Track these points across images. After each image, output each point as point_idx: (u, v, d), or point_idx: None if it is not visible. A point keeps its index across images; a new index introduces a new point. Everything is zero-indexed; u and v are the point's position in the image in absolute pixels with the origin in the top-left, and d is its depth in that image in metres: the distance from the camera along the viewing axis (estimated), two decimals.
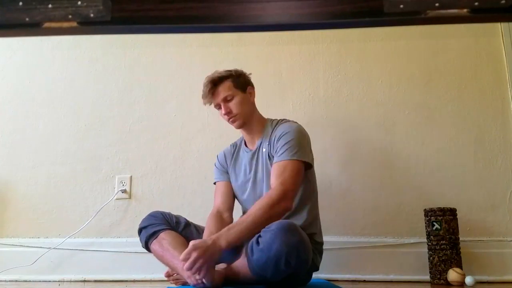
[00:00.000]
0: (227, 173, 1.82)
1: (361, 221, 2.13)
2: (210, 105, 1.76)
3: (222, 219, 1.68)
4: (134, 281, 2.10)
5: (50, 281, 2.13)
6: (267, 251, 1.34)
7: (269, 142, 1.70)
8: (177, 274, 1.60)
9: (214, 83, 1.69)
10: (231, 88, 1.70)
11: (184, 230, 1.70)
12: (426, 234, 1.94)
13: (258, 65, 2.34)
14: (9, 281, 2.11)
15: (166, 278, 1.70)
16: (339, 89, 2.28)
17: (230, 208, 1.75)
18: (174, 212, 1.80)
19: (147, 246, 1.67)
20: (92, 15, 0.55)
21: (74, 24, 0.56)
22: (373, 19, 0.57)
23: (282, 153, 1.60)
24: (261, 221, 1.44)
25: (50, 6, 0.55)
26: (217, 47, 2.38)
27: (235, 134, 1.91)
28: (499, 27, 2.27)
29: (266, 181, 1.67)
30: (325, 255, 1.74)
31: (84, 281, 2.13)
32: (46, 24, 0.56)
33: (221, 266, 1.48)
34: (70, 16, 0.56)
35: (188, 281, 1.43)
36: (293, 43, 2.35)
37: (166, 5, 0.58)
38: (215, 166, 1.87)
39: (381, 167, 2.18)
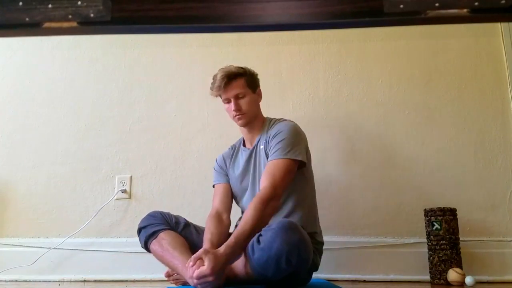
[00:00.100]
0: (226, 175, 1.83)
1: (361, 221, 2.13)
2: (216, 97, 1.76)
3: (221, 220, 1.68)
4: (134, 281, 2.10)
5: (50, 281, 2.13)
6: (267, 250, 1.34)
7: (265, 140, 1.71)
8: (177, 274, 1.60)
9: (230, 77, 1.69)
10: (244, 87, 1.72)
11: (184, 230, 1.70)
12: (426, 234, 1.94)
13: (258, 65, 2.31)
14: (9, 281, 2.11)
15: (166, 278, 1.70)
16: (339, 89, 2.28)
17: (229, 210, 1.76)
18: (174, 212, 1.80)
19: (146, 246, 1.67)
20: (92, 15, 0.55)
21: (74, 24, 0.56)
22: (373, 19, 0.57)
23: (275, 152, 1.61)
24: (256, 224, 1.45)
25: (50, 6, 0.55)
26: (217, 47, 2.38)
27: (235, 134, 1.91)
28: (499, 27, 2.27)
29: None
30: (325, 255, 1.74)
31: (84, 281, 2.13)
32: (46, 24, 0.56)
33: None
34: (70, 16, 0.55)
35: (189, 281, 1.43)
36: (293, 43, 2.35)
37: (166, 5, 0.58)
38: (214, 169, 1.87)
39: (381, 167, 2.18)
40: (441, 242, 1.87)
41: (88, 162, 2.30)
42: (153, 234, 1.64)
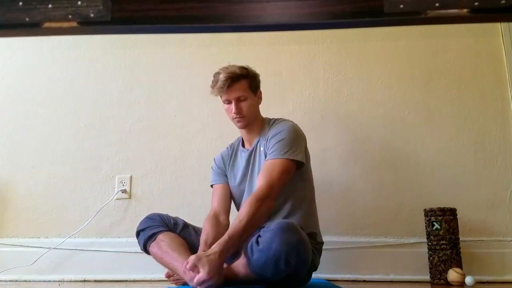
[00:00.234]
0: (225, 175, 1.82)
1: (361, 221, 2.13)
2: (216, 96, 1.75)
3: (219, 222, 1.67)
4: (134, 281, 2.10)
5: (50, 281, 2.13)
6: (266, 251, 1.34)
7: (265, 140, 1.70)
8: (177, 275, 1.60)
9: (233, 79, 1.66)
10: (246, 89, 1.70)
11: (182, 231, 1.70)
12: (426, 234, 1.94)
13: (258, 65, 2.31)
14: (9, 281, 2.11)
15: (166, 279, 1.70)
16: (339, 89, 2.28)
17: (227, 211, 1.75)
18: (174, 212, 1.80)
19: (145, 249, 1.67)
20: (92, 15, 0.55)
21: (74, 24, 0.56)
22: (373, 19, 0.57)
23: (273, 152, 1.61)
24: (250, 222, 1.45)
25: (50, 6, 0.55)
26: (217, 47, 2.38)
27: (235, 134, 1.91)
28: (499, 27, 2.27)
29: None
30: (325, 255, 1.74)
31: (84, 281, 2.13)
32: (46, 24, 0.56)
33: None
34: (70, 16, 0.55)
35: (190, 283, 1.43)
36: (293, 43, 2.35)
37: (166, 5, 0.58)
38: (212, 169, 1.86)
39: (381, 167, 2.18)
40: (441, 242, 1.87)
41: (88, 162, 2.30)
42: (152, 236, 1.63)
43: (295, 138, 1.66)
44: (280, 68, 2.33)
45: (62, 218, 2.24)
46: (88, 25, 0.57)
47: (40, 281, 2.13)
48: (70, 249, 2.17)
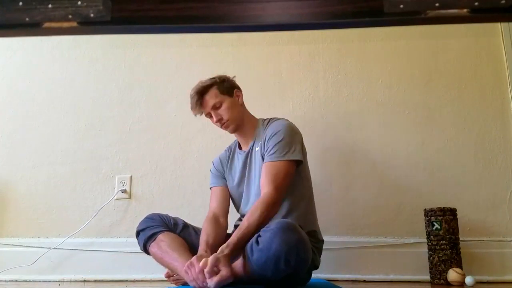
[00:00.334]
0: (224, 178, 1.82)
1: (361, 221, 2.13)
2: (200, 115, 1.77)
3: (219, 223, 1.68)
4: (134, 281, 2.10)
5: (50, 281, 2.13)
6: (266, 251, 1.34)
7: (261, 141, 1.70)
8: (177, 275, 1.60)
9: (201, 93, 1.71)
10: (218, 95, 1.71)
11: (182, 231, 1.70)
12: (426, 234, 1.94)
13: (258, 65, 2.34)
14: (9, 281, 2.11)
15: (166, 279, 1.70)
16: (339, 89, 2.28)
17: (226, 213, 1.75)
18: (174, 212, 1.80)
19: (145, 249, 1.67)
20: (92, 15, 0.55)
21: (74, 24, 0.56)
22: (373, 19, 0.57)
23: (273, 153, 1.61)
24: (260, 228, 1.45)
25: (50, 6, 0.55)
26: (217, 47, 2.38)
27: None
28: (499, 27, 2.27)
29: (259, 181, 1.66)
30: (325, 255, 1.74)
31: (84, 281, 2.13)
32: (46, 24, 0.56)
33: None
34: (70, 16, 0.55)
35: (190, 283, 1.43)
36: (293, 43, 2.35)
37: (166, 5, 0.58)
38: (211, 172, 1.87)
39: (381, 167, 2.18)
40: (441, 242, 1.87)
41: (88, 162, 2.30)
42: (152, 237, 1.63)
43: (293, 137, 1.66)
44: (280, 68, 2.33)
45: (62, 218, 2.24)
46: (88, 25, 0.57)
47: (40, 281, 2.13)
48: (70, 249, 2.17)
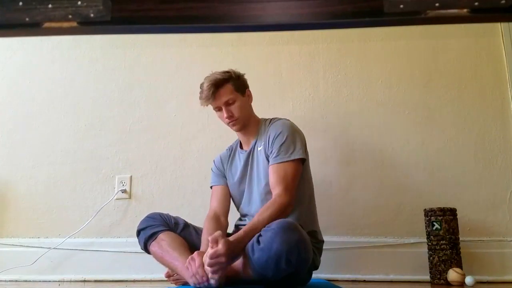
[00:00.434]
0: (224, 177, 1.82)
1: (361, 221, 2.13)
2: (206, 106, 1.76)
3: (220, 221, 1.68)
4: (134, 281, 2.10)
5: (50, 281, 2.13)
6: (267, 251, 1.34)
7: (263, 141, 1.70)
8: (177, 274, 1.60)
9: (216, 85, 1.66)
10: (233, 92, 1.69)
11: (183, 231, 1.70)
12: (426, 234, 1.94)
13: (258, 65, 2.34)
14: (9, 281, 2.11)
15: (166, 279, 1.70)
16: (339, 89, 2.28)
17: (226, 212, 1.75)
18: (174, 212, 1.80)
19: (146, 248, 1.67)
20: (92, 15, 0.55)
21: (74, 24, 0.56)
22: (373, 19, 0.57)
23: (279, 154, 1.61)
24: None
25: (50, 6, 0.55)
26: (217, 47, 2.38)
27: (235, 134, 1.91)
28: (499, 27, 2.27)
29: (263, 179, 1.67)
30: (325, 255, 1.74)
31: (84, 281, 2.13)
32: (46, 24, 0.56)
33: None
34: (70, 16, 0.55)
35: (189, 281, 1.43)
36: (293, 43, 2.35)
37: (166, 5, 0.58)
38: (212, 171, 1.87)
39: (381, 167, 2.18)
40: (441, 242, 1.87)
41: (88, 162, 2.30)
42: (152, 236, 1.64)
43: (295, 136, 1.67)
44: (280, 68, 2.33)
45: (62, 218, 2.24)
46: (88, 25, 0.57)
47: (40, 281, 2.13)
48: (70, 249, 2.17)
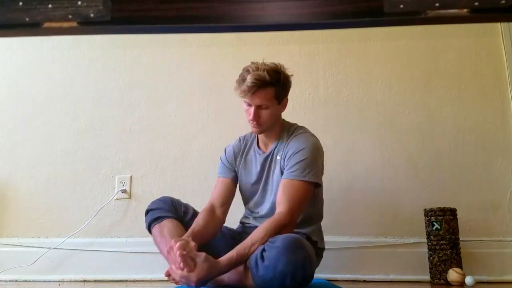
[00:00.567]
0: (234, 171, 1.76)
1: (361, 221, 2.13)
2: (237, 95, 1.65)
3: (214, 214, 1.66)
4: (134, 281, 2.10)
5: (50, 281, 2.13)
6: (272, 269, 1.32)
7: (283, 150, 1.63)
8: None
9: (260, 85, 1.55)
10: (271, 98, 1.59)
11: (191, 219, 1.66)
12: (426, 234, 1.94)
13: None
14: (9, 281, 2.11)
15: (166, 278, 1.70)
16: (339, 89, 2.28)
17: (225, 205, 1.71)
18: None
19: (149, 229, 1.66)
20: (92, 15, 0.55)
21: (74, 24, 0.56)
22: (373, 19, 0.57)
23: (294, 171, 1.55)
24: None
25: (50, 6, 0.55)
26: (217, 47, 2.38)
27: (235, 134, 1.90)
28: (499, 27, 2.27)
29: (276, 189, 1.61)
30: (325, 255, 1.74)
31: (84, 281, 2.13)
32: (46, 24, 0.56)
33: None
34: (70, 16, 0.55)
35: (173, 266, 1.42)
36: (293, 43, 2.35)
37: (166, 5, 0.58)
38: (221, 160, 1.80)
39: (381, 167, 2.18)
40: (441, 242, 1.87)
41: (88, 162, 2.30)
42: (158, 219, 1.62)
43: (317, 157, 1.61)
44: None
45: (62, 218, 2.24)
46: (88, 25, 0.57)
47: (40, 281, 2.13)
48: (70, 249, 2.17)
